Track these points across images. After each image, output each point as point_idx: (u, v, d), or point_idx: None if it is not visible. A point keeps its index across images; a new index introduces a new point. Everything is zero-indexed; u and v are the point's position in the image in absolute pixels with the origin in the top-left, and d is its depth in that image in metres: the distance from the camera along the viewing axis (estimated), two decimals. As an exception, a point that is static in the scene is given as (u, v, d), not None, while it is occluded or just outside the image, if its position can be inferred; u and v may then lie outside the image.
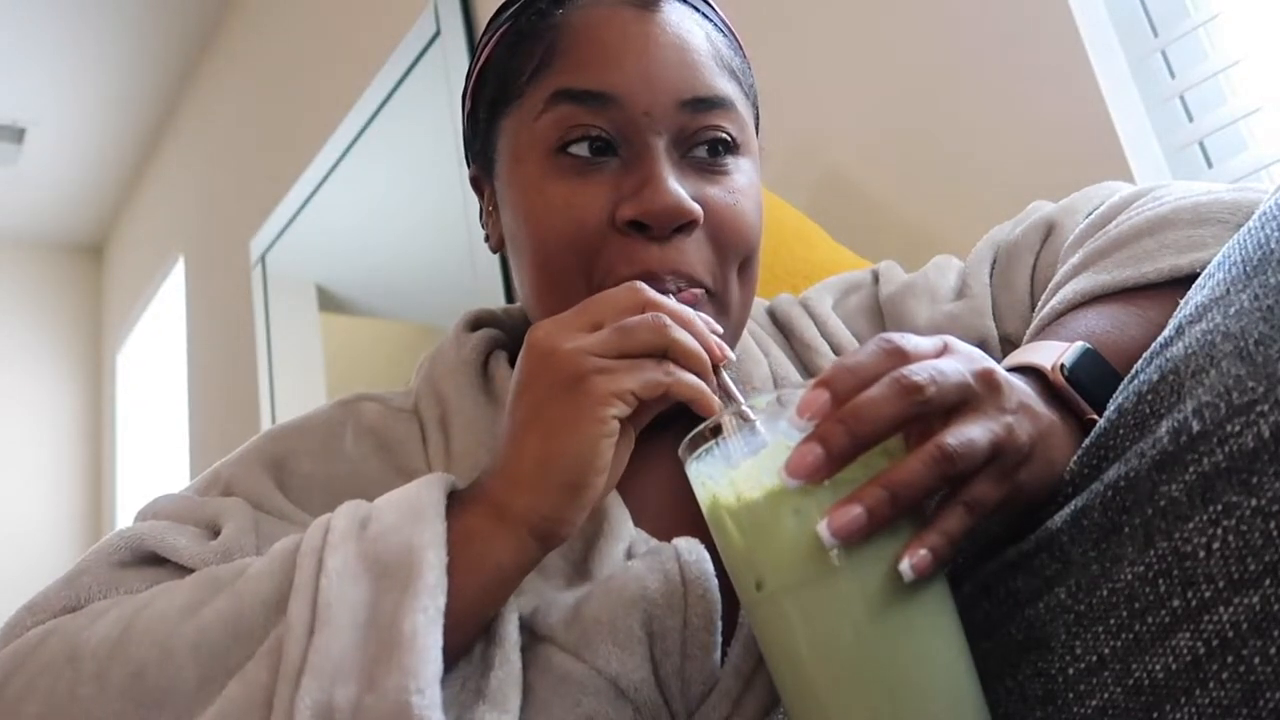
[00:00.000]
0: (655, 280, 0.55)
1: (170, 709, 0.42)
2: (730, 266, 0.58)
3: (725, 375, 0.48)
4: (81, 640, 0.45)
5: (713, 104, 0.57)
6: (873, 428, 0.38)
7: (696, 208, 0.55)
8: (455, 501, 0.47)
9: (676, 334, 0.47)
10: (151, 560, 0.52)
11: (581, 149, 0.56)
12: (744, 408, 0.43)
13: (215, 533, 0.54)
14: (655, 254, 0.55)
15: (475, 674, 0.46)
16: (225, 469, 0.60)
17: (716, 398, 0.47)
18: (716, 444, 0.42)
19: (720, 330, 0.50)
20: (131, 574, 0.51)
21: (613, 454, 0.46)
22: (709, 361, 0.47)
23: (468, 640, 0.47)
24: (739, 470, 0.41)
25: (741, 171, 0.59)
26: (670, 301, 0.49)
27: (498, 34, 0.62)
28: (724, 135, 0.58)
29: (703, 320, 0.49)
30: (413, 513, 0.45)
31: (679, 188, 0.55)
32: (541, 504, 0.46)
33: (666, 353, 0.46)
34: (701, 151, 0.57)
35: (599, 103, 0.56)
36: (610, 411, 0.45)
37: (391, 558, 0.43)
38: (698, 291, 0.56)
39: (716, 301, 0.58)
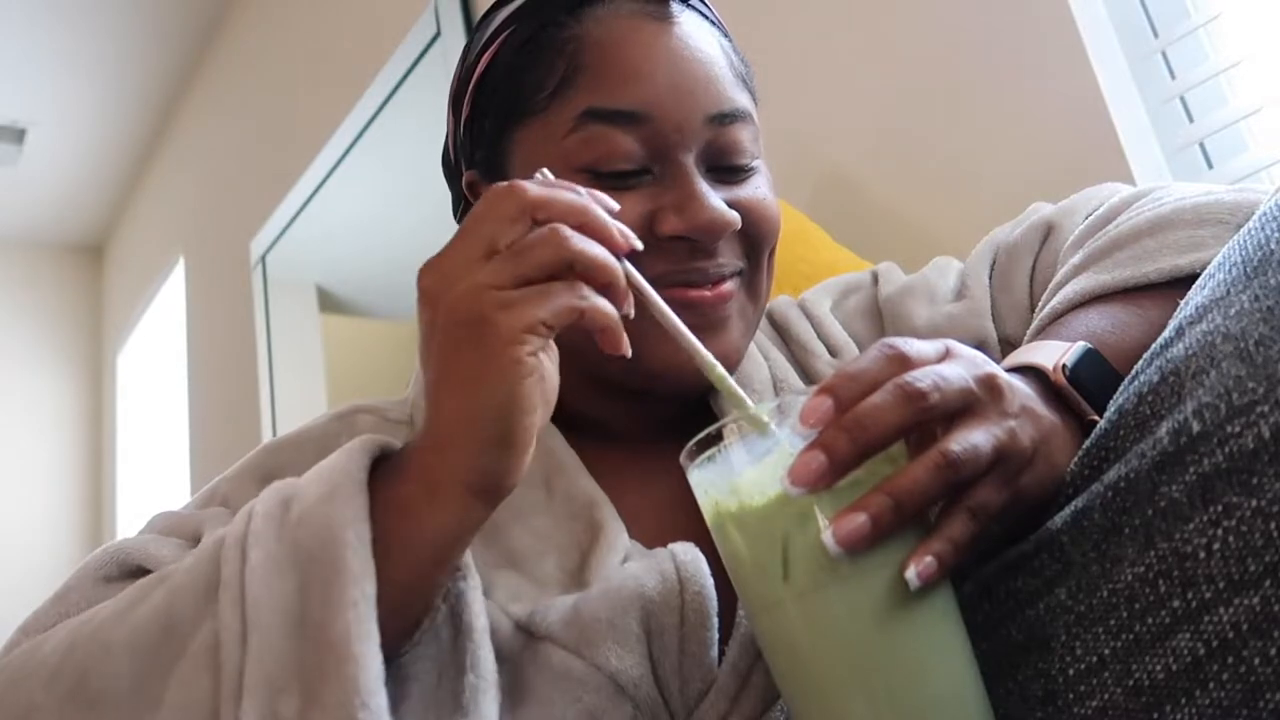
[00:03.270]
0: (699, 272, 0.56)
1: (111, 711, 0.41)
2: (761, 253, 0.61)
3: (628, 265, 0.45)
4: (41, 650, 0.45)
5: (735, 117, 0.58)
6: (876, 435, 0.38)
7: (736, 216, 0.57)
8: (386, 469, 0.45)
9: (578, 245, 0.42)
10: (137, 574, 0.52)
11: (615, 171, 0.56)
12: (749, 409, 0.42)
13: (198, 543, 0.53)
14: (699, 252, 0.57)
15: (450, 673, 0.46)
16: (223, 484, 0.60)
17: (625, 335, 0.44)
18: (719, 451, 0.42)
19: (614, 208, 0.46)
20: (116, 588, 0.51)
21: (540, 390, 0.43)
22: (620, 272, 0.44)
23: (424, 607, 0.46)
24: (742, 478, 0.40)
25: (760, 173, 0.61)
26: (558, 193, 0.44)
27: (502, 39, 0.61)
28: (746, 146, 0.59)
29: (596, 199, 0.46)
30: (330, 488, 0.43)
31: (719, 202, 0.56)
32: (474, 463, 0.43)
33: (572, 268, 0.43)
34: (726, 163, 0.59)
35: (631, 121, 0.56)
36: (525, 350, 0.41)
37: (313, 543, 0.41)
38: (731, 286, 0.58)
39: (748, 283, 0.60)
